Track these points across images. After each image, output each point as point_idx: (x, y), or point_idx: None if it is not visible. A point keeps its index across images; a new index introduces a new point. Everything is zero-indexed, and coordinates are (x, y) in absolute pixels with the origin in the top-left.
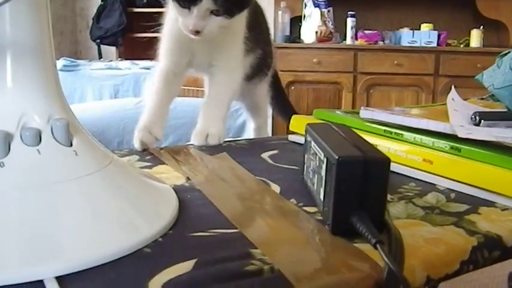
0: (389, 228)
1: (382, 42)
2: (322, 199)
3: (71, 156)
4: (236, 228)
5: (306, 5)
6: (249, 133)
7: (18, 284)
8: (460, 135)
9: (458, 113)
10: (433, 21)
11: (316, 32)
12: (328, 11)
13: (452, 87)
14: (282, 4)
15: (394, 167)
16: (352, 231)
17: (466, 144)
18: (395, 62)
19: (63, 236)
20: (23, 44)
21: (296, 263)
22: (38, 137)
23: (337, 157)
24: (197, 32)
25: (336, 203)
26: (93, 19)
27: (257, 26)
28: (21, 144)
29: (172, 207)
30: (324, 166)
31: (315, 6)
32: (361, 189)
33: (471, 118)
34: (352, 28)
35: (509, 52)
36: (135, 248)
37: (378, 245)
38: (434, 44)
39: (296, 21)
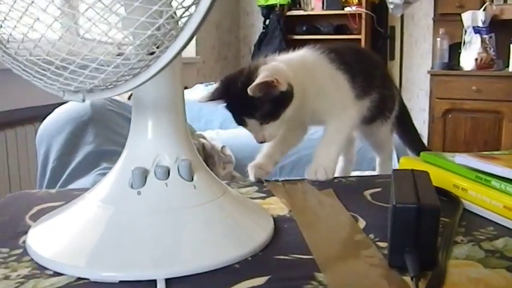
0: (436, 265)
1: None
2: (389, 236)
3: (191, 189)
4: (311, 255)
5: (466, 32)
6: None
7: (139, 281)
8: None
9: None
10: None
11: (476, 59)
12: (490, 37)
13: None
14: (441, 31)
15: (479, 210)
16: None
17: None
18: None
19: (180, 248)
20: (161, 102)
21: (346, 286)
22: (167, 173)
23: (394, 203)
24: (262, 141)
25: (392, 241)
26: (254, 45)
27: (366, 72)
28: (154, 178)
29: (266, 234)
30: (391, 209)
31: (476, 33)
32: (415, 232)
33: None
34: None
35: None
36: (227, 263)
37: (413, 279)
38: None
39: (455, 48)
